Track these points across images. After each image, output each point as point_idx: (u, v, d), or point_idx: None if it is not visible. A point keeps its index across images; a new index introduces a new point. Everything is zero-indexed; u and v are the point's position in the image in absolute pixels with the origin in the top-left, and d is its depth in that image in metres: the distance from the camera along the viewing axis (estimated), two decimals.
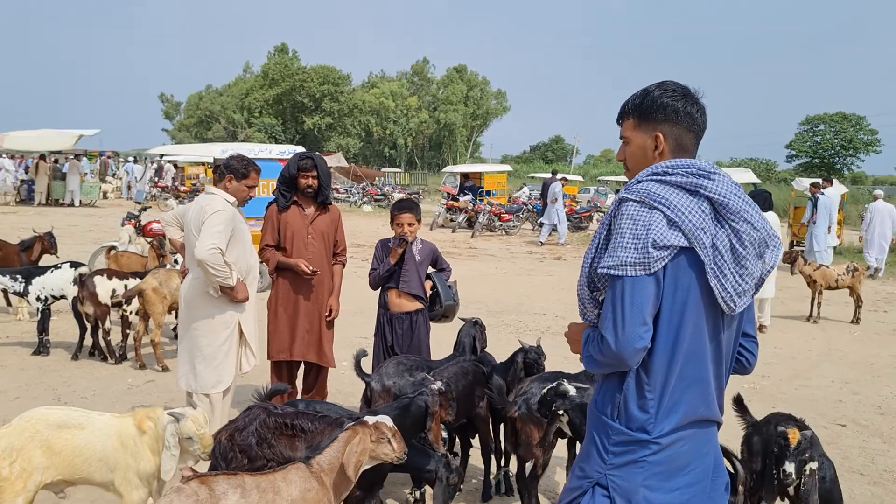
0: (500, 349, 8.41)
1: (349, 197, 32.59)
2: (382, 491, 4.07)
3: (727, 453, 3.25)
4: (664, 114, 2.29)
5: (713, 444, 2.35)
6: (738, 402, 4.17)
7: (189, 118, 70.84)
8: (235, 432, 3.57)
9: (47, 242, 9.19)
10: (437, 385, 3.88)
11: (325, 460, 3.19)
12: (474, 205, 22.90)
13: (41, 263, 8.93)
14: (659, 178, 2.21)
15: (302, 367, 5.63)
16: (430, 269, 5.58)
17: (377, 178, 41.13)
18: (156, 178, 31.55)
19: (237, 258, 4.85)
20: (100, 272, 7.37)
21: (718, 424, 2.39)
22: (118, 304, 7.32)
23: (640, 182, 2.23)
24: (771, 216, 9.93)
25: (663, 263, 2.13)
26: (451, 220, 23.42)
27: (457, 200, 23.76)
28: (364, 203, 31.30)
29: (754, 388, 7.49)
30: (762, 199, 9.96)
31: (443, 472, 3.72)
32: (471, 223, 22.85)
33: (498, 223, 22.34)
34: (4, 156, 31.14)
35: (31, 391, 6.45)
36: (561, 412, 3.96)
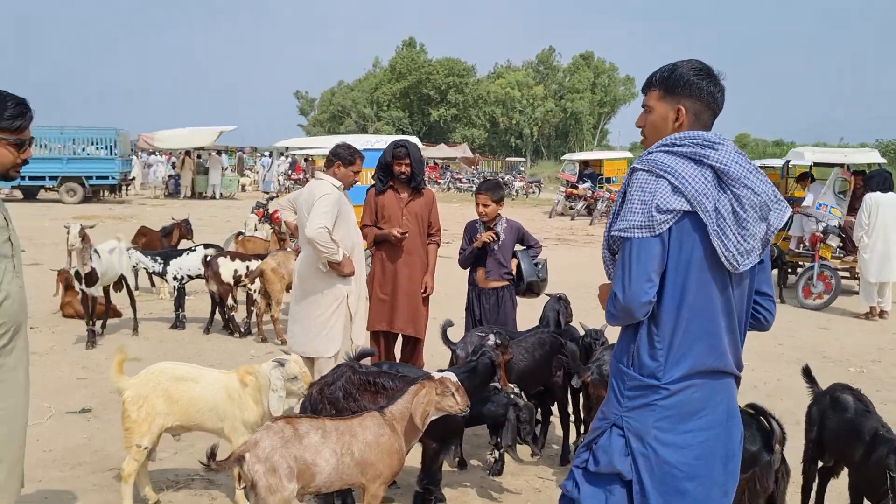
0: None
1: (471, 187, 33.10)
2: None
3: (763, 413, 3.39)
4: (689, 89, 2.50)
5: (728, 395, 2.54)
6: (807, 373, 4.26)
7: (322, 114, 73.62)
8: (325, 386, 4.03)
9: (184, 228, 10.14)
10: (492, 340, 4.22)
11: (396, 410, 3.58)
12: (593, 192, 22.83)
13: (179, 248, 9.88)
14: (668, 149, 2.44)
15: (399, 339, 6.07)
16: (519, 247, 5.88)
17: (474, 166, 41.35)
18: (289, 171, 33.29)
19: (343, 236, 5.32)
20: (224, 254, 8.12)
21: (736, 378, 2.59)
22: (240, 283, 8.05)
23: (650, 153, 2.47)
24: (891, 197, 9.54)
25: (668, 226, 2.35)
26: (570, 208, 23.45)
27: (576, 188, 23.76)
28: None
29: (861, 372, 7.32)
30: (881, 179, 9.57)
31: (511, 412, 4.03)
32: (590, 211, 22.80)
33: None
34: (156, 153, 33.77)
35: (167, 361, 7.23)
36: None
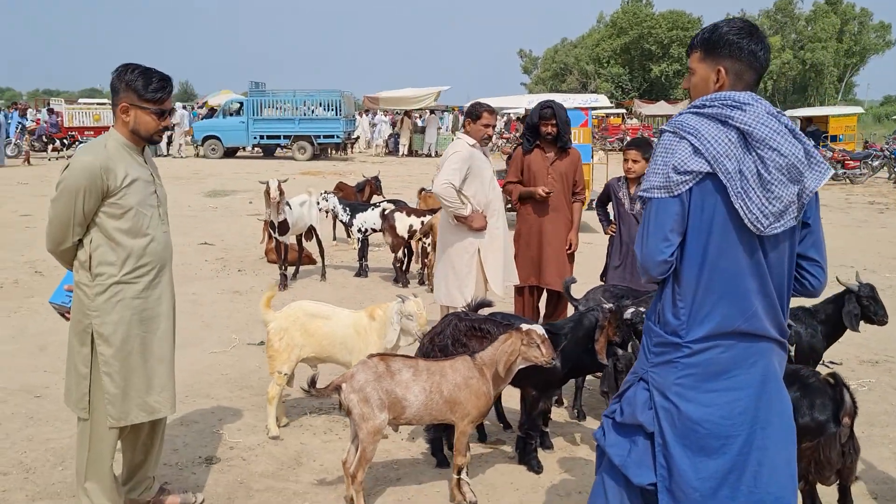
0: None
1: None
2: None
3: (840, 383, 3.24)
4: (728, 50, 2.50)
5: (765, 358, 2.51)
6: None
7: (545, 72, 73.31)
8: (435, 335, 4.37)
9: (374, 185, 10.92)
10: (609, 305, 4.28)
11: (487, 356, 3.85)
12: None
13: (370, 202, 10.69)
14: (697, 110, 2.46)
15: (544, 294, 6.27)
16: None
17: None
18: (503, 130, 33.81)
19: (475, 192, 5.59)
20: (400, 209, 8.72)
21: (780, 343, 2.56)
22: (413, 237, 8.62)
23: (680, 115, 2.50)
24: None
25: (687, 187, 2.39)
26: None
27: None
28: None
29: None
30: None
31: (610, 361, 4.11)
32: None
33: (841, 171, 20.33)
34: (380, 113, 35.82)
35: (343, 304, 7.98)
36: None
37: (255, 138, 27.61)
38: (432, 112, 31.76)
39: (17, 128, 25.93)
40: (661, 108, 45.70)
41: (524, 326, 3.83)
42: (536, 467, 4.31)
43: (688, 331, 2.48)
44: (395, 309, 4.49)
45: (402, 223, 8.55)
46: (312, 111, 28.20)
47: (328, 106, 28.11)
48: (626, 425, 2.65)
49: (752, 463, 2.51)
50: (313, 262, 9.65)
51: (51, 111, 27.03)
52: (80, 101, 30.88)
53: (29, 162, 23.60)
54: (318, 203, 9.07)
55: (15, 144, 24.90)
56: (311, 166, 24.34)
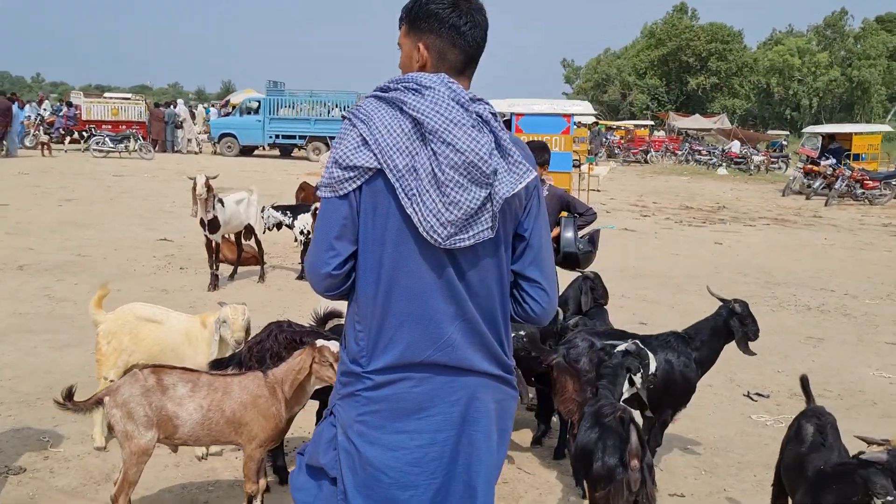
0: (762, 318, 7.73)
1: (710, 159, 30.84)
2: None
3: (627, 420, 2.81)
4: (429, 23, 2.07)
5: (471, 396, 2.09)
6: (803, 385, 3.50)
7: (587, 82, 72.49)
8: (255, 344, 3.99)
9: None
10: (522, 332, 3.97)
11: (279, 373, 3.44)
12: (834, 170, 20.15)
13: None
14: (381, 92, 2.04)
15: None
16: (566, 215, 5.39)
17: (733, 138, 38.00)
18: None
19: None
20: None
21: (494, 377, 2.13)
22: None
23: (366, 98, 2.08)
24: None
25: (354, 185, 1.97)
26: (808, 186, 20.94)
27: (817, 164, 21.12)
28: (720, 165, 29.37)
29: None
30: None
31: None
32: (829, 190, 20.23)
33: (860, 191, 19.41)
34: None
35: (271, 307, 7.62)
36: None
37: (270, 137, 27.56)
38: None
39: (35, 119, 26.23)
40: (696, 121, 44.78)
41: (318, 343, 3.41)
42: None
43: (369, 359, 2.05)
44: (213, 317, 4.12)
45: None
46: (329, 112, 28.06)
47: (345, 107, 27.92)
48: (312, 466, 2.23)
49: None
50: (259, 262, 9.33)
51: (69, 104, 27.31)
52: (106, 95, 31.08)
53: (50, 153, 23.78)
54: (263, 219, 8.78)
55: (33, 135, 25.17)
56: (321, 168, 24.13)
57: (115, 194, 15.62)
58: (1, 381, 5.30)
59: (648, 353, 3.64)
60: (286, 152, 29.03)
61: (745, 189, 23.77)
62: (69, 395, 3.27)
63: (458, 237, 1.94)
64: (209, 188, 7.85)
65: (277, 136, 27.66)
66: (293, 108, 28.04)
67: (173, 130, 27.71)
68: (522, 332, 4.04)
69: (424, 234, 1.93)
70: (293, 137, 27.72)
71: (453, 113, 1.93)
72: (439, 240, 1.92)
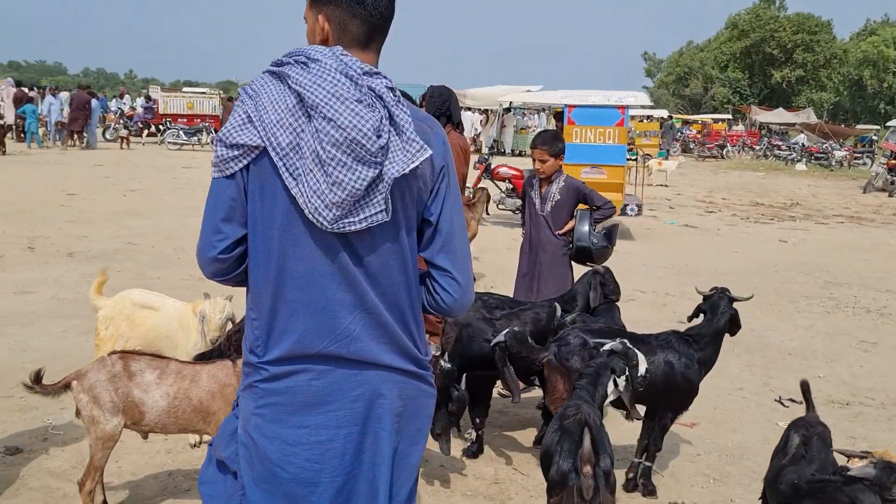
0: (799, 322, 7.34)
1: (789, 154, 29.55)
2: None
3: (581, 422, 2.63)
4: None
5: (376, 392, 1.97)
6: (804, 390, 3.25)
7: (668, 75, 70.82)
8: (234, 333, 3.94)
9: None
10: (446, 366, 3.84)
11: None
12: None
13: None
14: (275, 66, 1.93)
15: None
16: (584, 207, 5.18)
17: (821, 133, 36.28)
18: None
19: None
20: None
21: (404, 372, 2.01)
22: None
23: (261, 73, 1.97)
24: None
25: (240, 165, 1.87)
26: (892, 183, 19.83)
27: None
28: (799, 161, 28.10)
29: None
30: None
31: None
32: None
33: None
34: (473, 111, 35.43)
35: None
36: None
37: None
38: (507, 110, 31.10)
39: (116, 112, 27.25)
40: (780, 115, 43.04)
41: None
42: None
43: (264, 349, 1.95)
44: (200, 308, 4.10)
45: None
46: None
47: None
48: (219, 460, 2.14)
49: None
50: None
51: (147, 98, 28.25)
52: (185, 90, 32.01)
53: (128, 145, 24.66)
54: None
55: (114, 128, 26.14)
56: None
57: (178, 185, 16.04)
58: (23, 363, 5.43)
59: (637, 353, 3.42)
60: None
61: (823, 185, 22.72)
62: (37, 378, 3.28)
63: (347, 220, 1.81)
64: None
65: None
66: None
67: None
68: (510, 331, 3.87)
69: (310, 217, 1.81)
70: None
71: (337, 87, 1.79)
72: (325, 223, 1.80)
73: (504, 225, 13.38)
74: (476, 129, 32.84)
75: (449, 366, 3.85)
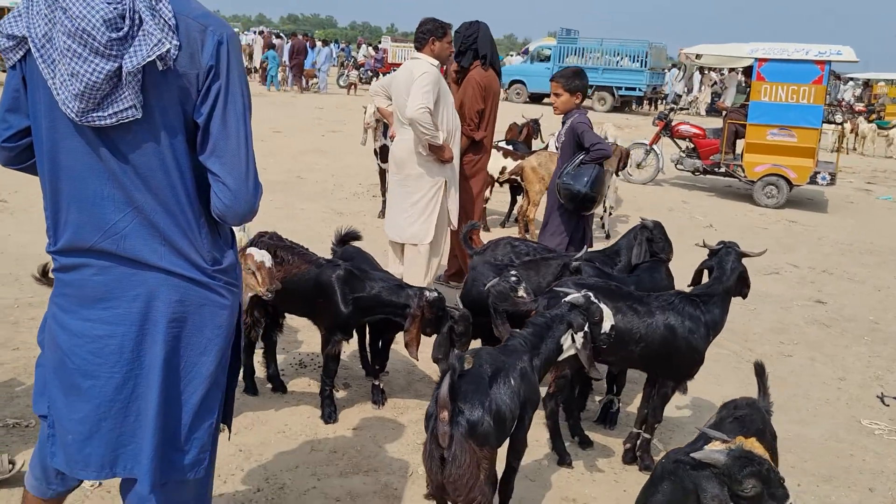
0: None
1: None
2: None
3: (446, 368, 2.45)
4: None
5: (151, 293, 2.00)
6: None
7: None
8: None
9: (532, 128, 10.29)
10: (432, 295, 3.72)
11: None
12: None
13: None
14: None
15: None
16: None
17: None
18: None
19: (444, 118, 5.05)
20: (497, 149, 8.15)
21: (182, 277, 2.03)
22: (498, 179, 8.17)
23: None
24: None
25: (18, 55, 1.95)
26: None
27: None
28: None
29: None
30: None
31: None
32: None
33: None
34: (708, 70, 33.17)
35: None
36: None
37: None
38: (731, 70, 28.63)
39: (350, 60, 28.99)
40: None
41: (249, 251, 3.43)
42: (327, 417, 3.90)
43: (54, 239, 2.06)
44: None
45: (496, 163, 8.01)
46: (618, 62, 27.16)
47: (634, 57, 26.85)
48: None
49: (132, 413, 2.05)
50: None
51: (377, 48, 29.69)
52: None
53: (355, 92, 26.22)
54: None
55: (347, 75, 27.87)
56: (610, 117, 23.57)
57: None
58: None
59: (604, 309, 3.11)
60: None
61: None
62: (44, 271, 3.64)
63: (95, 114, 1.84)
64: (378, 119, 8.12)
65: None
66: (582, 56, 27.56)
67: None
68: (498, 280, 3.69)
69: (62, 107, 1.86)
70: None
71: None
72: (72, 115, 1.84)
73: (681, 186, 12.57)
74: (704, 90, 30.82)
75: (436, 294, 3.76)
